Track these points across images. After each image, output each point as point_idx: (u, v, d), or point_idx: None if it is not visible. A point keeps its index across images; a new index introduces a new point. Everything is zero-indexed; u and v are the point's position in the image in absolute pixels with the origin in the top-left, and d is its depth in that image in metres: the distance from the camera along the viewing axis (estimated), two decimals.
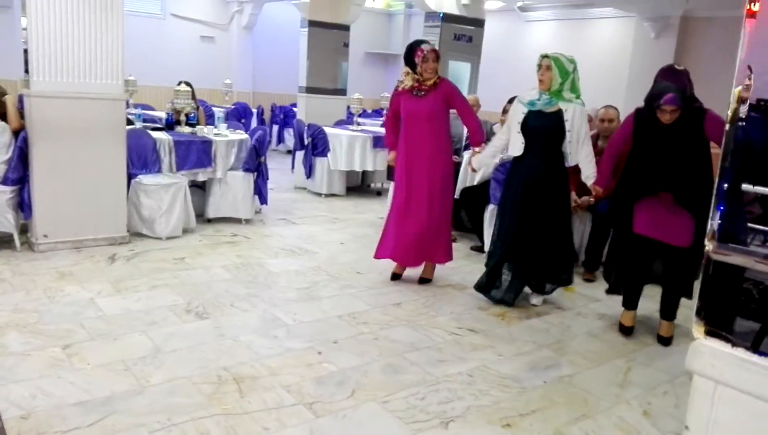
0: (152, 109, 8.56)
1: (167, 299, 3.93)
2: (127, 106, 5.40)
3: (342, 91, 9.53)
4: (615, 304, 4.19)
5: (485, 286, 4.27)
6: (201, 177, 5.73)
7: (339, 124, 8.62)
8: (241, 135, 6.14)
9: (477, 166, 4.39)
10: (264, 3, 11.72)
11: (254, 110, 11.67)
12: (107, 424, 2.54)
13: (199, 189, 5.95)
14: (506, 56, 10.79)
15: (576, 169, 4.08)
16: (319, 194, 7.67)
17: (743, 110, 1.28)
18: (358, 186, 8.51)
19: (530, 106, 3.94)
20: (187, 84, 6.40)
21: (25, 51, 4.56)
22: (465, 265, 5.13)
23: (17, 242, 4.66)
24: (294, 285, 4.40)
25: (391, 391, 2.99)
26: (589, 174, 3.97)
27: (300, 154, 7.95)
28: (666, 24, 8.82)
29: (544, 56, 3.91)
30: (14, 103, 4.77)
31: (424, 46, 4.20)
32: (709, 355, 1.38)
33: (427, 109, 4.20)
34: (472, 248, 5.68)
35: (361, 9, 9.70)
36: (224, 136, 5.88)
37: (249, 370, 3.08)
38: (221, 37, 12.22)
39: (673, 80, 3.52)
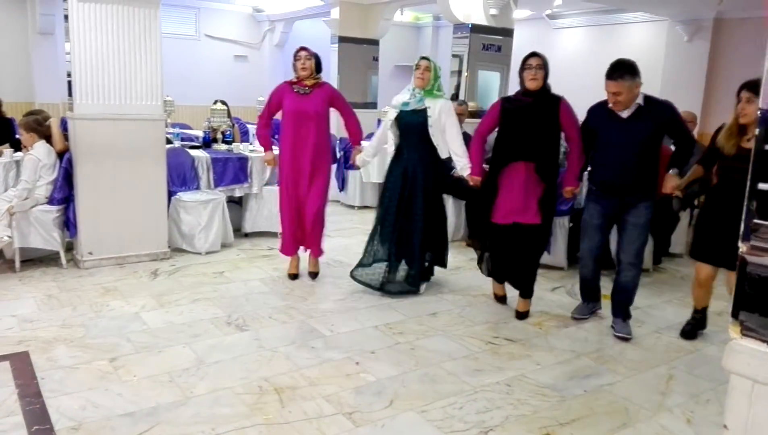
0: (189, 127, 8.76)
1: (208, 312, 4.03)
2: (166, 125, 5.57)
3: (372, 105, 9.62)
4: (655, 311, 4.13)
5: (356, 267, 4.58)
6: (238, 192, 5.86)
7: (370, 137, 8.66)
8: (275, 151, 6.24)
9: (361, 163, 4.80)
10: (294, 21, 11.93)
11: None
12: None
13: (236, 204, 6.07)
14: None
15: None
16: (352, 207, 7.74)
17: None
18: None
19: (404, 106, 4.34)
20: (223, 103, 6.57)
21: (69, 75, 4.75)
22: None
23: (63, 259, 4.82)
24: (330, 297, 4.45)
25: (429, 400, 3.01)
26: (462, 165, 4.29)
27: (332, 168, 8.02)
28: (699, 26, 8.68)
29: (425, 58, 4.34)
30: (58, 126, 4.97)
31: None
32: (745, 354, 1.39)
33: (313, 108, 4.44)
34: None
35: (389, 23, 9.81)
36: (259, 153, 5.98)
37: (289, 381, 3.14)
38: (254, 55, 12.47)
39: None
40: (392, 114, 4.43)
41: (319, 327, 3.87)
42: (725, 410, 1.47)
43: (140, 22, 4.80)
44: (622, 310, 3.95)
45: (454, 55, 8.34)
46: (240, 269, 5.00)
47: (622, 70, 3.53)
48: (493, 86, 8.42)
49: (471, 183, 4.22)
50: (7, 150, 5.24)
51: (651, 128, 3.62)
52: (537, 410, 2.97)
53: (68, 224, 4.85)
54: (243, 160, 5.82)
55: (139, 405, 2.85)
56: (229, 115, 6.63)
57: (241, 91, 11.58)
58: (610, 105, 3.66)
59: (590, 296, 4.20)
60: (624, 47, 9.58)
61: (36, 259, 4.91)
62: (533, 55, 3.89)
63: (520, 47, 8.44)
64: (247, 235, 6.01)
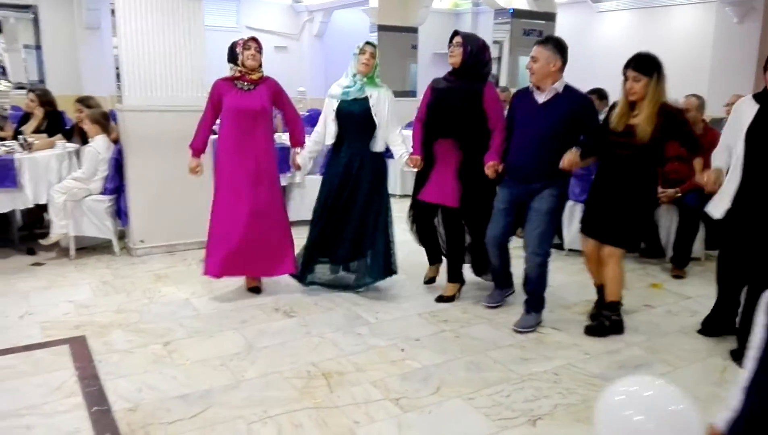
0: None
1: (256, 299, 4.11)
2: None
3: (412, 93, 9.58)
4: (708, 301, 4.01)
5: (300, 272, 4.25)
6: (281, 182, 5.91)
7: (410, 125, 8.66)
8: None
9: (302, 163, 4.39)
10: (333, 10, 11.95)
11: None
12: (208, 416, 2.69)
13: None
14: (579, 49, 10.38)
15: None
16: (394, 195, 7.70)
17: None
18: None
19: (345, 96, 4.09)
20: None
21: (117, 68, 4.87)
22: None
23: (116, 248, 4.98)
24: (374, 284, 4.46)
25: (476, 388, 3.01)
26: (400, 153, 4.12)
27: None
28: (749, 7, 8.36)
29: (369, 44, 4.11)
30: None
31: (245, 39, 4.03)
32: None
33: (259, 104, 3.97)
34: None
35: (429, 10, 9.73)
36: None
37: (336, 366, 3.18)
38: (293, 46, 12.54)
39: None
40: (333, 104, 4.13)
41: (364, 314, 3.90)
42: None
43: (184, 15, 4.90)
44: (526, 300, 3.83)
45: (494, 41, 8.24)
46: None
47: (550, 41, 3.58)
48: None
49: (411, 164, 4.00)
50: (60, 141, 5.41)
51: (563, 116, 3.53)
52: (586, 399, 2.94)
53: (120, 213, 4.99)
54: (285, 150, 5.81)
55: (193, 387, 2.93)
56: None
57: (281, 82, 11.59)
58: (528, 73, 3.63)
59: (502, 282, 4.13)
60: (671, 30, 9.31)
61: (90, 247, 5.07)
62: (455, 33, 3.88)
63: (562, 32, 8.30)
64: (291, 224, 6.06)
